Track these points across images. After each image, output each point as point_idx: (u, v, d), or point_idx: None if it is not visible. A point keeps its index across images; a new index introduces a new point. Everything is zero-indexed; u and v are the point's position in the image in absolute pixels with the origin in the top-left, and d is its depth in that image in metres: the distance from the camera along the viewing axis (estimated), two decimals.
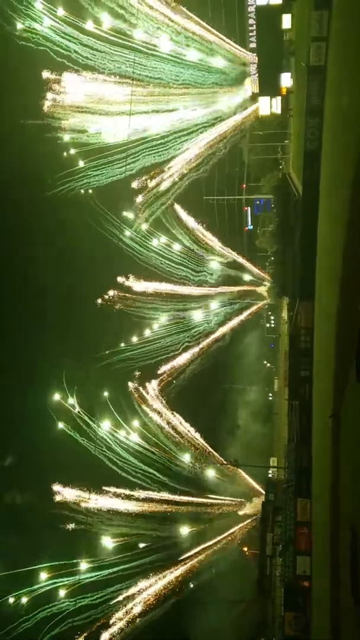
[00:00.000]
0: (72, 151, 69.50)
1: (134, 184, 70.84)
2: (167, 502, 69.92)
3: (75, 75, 65.10)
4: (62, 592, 63.82)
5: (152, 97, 67.52)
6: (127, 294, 76.35)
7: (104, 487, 68.03)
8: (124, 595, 65.26)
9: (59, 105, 66.66)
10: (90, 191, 70.38)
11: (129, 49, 64.41)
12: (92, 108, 67.77)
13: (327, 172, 39.86)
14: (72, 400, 72.17)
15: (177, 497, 70.46)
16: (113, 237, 72.21)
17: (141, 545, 67.66)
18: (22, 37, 62.96)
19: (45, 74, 64.96)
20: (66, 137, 68.18)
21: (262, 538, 58.28)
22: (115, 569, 65.83)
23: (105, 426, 71.85)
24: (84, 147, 69.25)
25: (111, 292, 75.75)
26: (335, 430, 30.83)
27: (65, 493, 66.55)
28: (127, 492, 68.52)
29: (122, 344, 77.70)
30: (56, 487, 66.55)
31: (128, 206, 73.41)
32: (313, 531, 39.81)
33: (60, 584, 64.01)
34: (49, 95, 65.65)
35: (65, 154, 69.17)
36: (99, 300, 74.92)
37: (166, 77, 66.55)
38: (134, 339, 78.38)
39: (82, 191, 70.05)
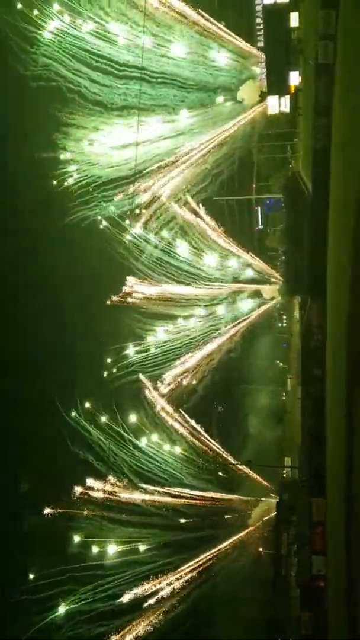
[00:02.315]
0: (83, 181, 71.72)
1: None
2: (183, 498, 70.32)
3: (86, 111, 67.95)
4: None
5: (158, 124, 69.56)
6: (137, 294, 76.88)
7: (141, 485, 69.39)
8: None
9: (70, 138, 69.41)
10: (102, 220, 72.61)
11: (134, 78, 66.21)
12: (102, 140, 70.35)
13: (336, 170, 39.76)
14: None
15: (192, 493, 70.67)
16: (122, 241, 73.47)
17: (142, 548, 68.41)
18: (35, 75, 65.96)
19: (58, 109, 67.71)
20: (77, 168, 71.07)
21: (277, 538, 58.01)
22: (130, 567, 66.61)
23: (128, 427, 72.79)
24: (96, 178, 71.55)
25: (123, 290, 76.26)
26: (349, 428, 30.76)
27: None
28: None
29: (133, 347, 78.22)
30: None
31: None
32: (328, 530, 39.67)
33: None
34: (62, 129, 68.46)
35: (76, 184, 71.33)
36: (114, 297, 75.48)
37: (171, 102, 67.86)
38: (148, 340, 78.79)
39: (98, 217, 72.34)
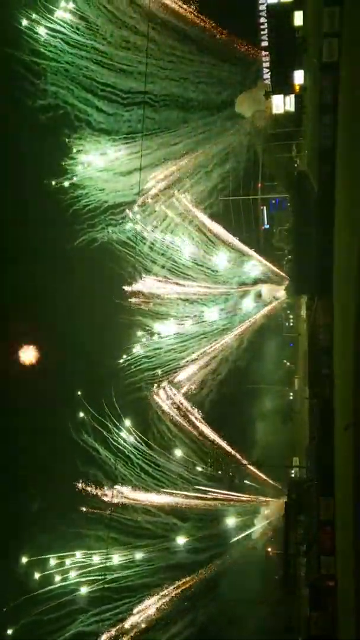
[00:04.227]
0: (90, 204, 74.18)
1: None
2: (192, 498, 70.47)
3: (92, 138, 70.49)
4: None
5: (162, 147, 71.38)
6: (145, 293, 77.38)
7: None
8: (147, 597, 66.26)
9: (78, 163, 72.26)
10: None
11: (138, 103, 68.29)
12: (108, 167, 72.91)
13: (342, 168, 39.64)
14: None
15: (200, 494, 70.74)
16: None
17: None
18: (44, 106, 68.56)
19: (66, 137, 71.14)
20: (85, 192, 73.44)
21: (285, 538, 57.88)
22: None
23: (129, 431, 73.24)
24: (102, 203, 74.02)
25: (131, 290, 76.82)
26: (357, 427, 30.67)
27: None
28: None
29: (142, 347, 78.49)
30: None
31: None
32: (337, 530, 39.55)
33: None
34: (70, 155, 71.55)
35: (85, 209, 73.84)
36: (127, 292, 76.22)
37: (174, 124, 68.67)
38: (156, 338, 79.14)
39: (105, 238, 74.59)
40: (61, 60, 69.04)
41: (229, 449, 74.72)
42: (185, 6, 66.11)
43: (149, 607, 66.11)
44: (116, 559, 67.98)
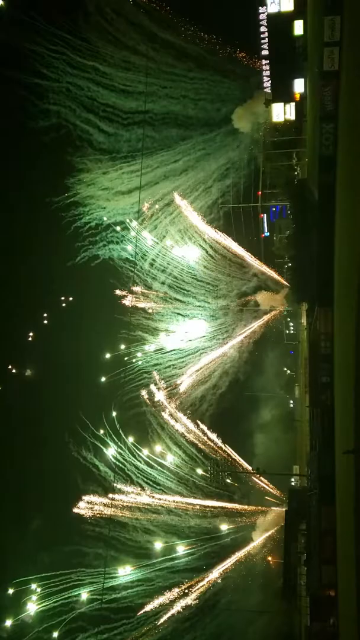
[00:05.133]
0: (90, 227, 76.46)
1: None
2: (193, 506, 70.28)
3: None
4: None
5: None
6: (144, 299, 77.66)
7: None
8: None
9: (82, 182, 73.84)
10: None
11: (138, 123, 69.59)
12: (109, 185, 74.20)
13: (342, 176, 39.64)
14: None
15: (201, 502, 70.55)
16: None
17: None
18: (46, 126, 69.71)
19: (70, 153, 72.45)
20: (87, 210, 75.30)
21: (286, 547, 57.64)
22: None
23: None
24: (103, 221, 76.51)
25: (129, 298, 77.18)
26: (358, 436, 30.49)
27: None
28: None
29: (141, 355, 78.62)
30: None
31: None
32: (338, 539, 39.27)
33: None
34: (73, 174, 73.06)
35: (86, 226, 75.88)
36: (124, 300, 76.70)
37: (174, 142, 69.69)
38: (155, 348, 79.28)
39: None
40: (63, 81, 70.06)
41: (230, 457, 74.56)
42: (183, 21, 66.61)
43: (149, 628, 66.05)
44: (116, 578, 67.95)
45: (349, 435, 32.89)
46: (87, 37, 68.47)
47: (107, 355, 77.34)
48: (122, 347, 77.30)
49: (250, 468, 72.40)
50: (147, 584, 68.28)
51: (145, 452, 73.83)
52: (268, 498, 74.34)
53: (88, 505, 70.03)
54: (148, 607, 66.36)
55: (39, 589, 67.44)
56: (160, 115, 69.74)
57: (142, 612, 66.26)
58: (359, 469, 29.63)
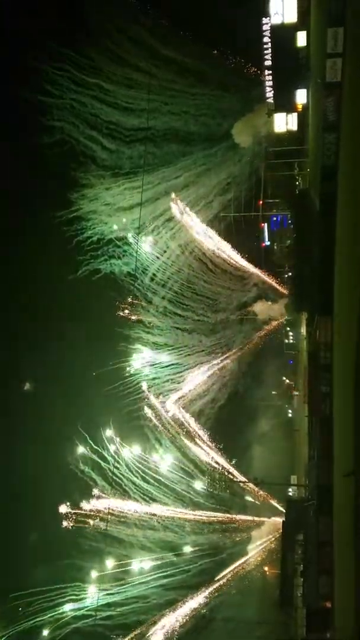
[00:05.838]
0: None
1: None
2: (189, 519, 70.05)
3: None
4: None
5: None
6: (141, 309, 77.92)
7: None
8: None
9: (84, 197, 74.28)
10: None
11: (140, 139, 70.15)
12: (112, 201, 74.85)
13: (344, 187, 39.77)
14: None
15: (198, 514, 70.32)
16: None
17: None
18: (50, 143, 70.08)
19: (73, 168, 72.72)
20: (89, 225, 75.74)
21: (283, 558, 57.31)
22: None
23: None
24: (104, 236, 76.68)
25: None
26: (357, 447, 30.44)
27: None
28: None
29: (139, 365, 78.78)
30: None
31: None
32: (335, 550, 39.10)
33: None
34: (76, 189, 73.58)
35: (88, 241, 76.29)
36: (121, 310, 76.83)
37: (176, 158, 70.09)
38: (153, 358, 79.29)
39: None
40: (66, 98, 70.77)
41: (227, 467, 74.44)
42: (184, 35, 66.95)
43: None
44: (110, 595, 67.78)
45: (348, 445, 32.83)
46: (90, 55, 69.00)
47: (103, 369, 77.22)
48: (121, 359, 77.19)
49: (246, 480, 72.15)
50: (143, 600, 67.97)
51: (142, 464, 73.47)
52: (265, 508, 74.03)
53: (83, 519, 69.85)
54: (144, 626, 66.22)
55: (31, 605, 66.94)
56: (161, 132, 70.49)
57: (137, 630, 66.04)
58: (358, 481, 29.58)
